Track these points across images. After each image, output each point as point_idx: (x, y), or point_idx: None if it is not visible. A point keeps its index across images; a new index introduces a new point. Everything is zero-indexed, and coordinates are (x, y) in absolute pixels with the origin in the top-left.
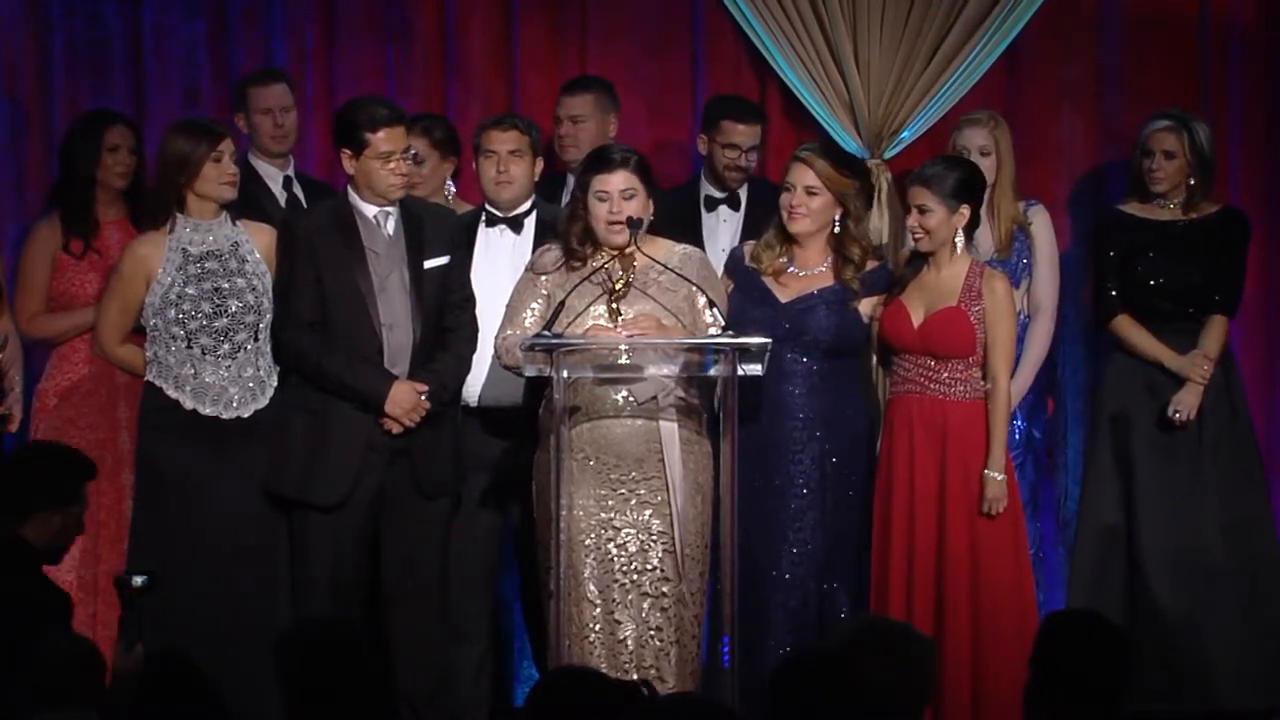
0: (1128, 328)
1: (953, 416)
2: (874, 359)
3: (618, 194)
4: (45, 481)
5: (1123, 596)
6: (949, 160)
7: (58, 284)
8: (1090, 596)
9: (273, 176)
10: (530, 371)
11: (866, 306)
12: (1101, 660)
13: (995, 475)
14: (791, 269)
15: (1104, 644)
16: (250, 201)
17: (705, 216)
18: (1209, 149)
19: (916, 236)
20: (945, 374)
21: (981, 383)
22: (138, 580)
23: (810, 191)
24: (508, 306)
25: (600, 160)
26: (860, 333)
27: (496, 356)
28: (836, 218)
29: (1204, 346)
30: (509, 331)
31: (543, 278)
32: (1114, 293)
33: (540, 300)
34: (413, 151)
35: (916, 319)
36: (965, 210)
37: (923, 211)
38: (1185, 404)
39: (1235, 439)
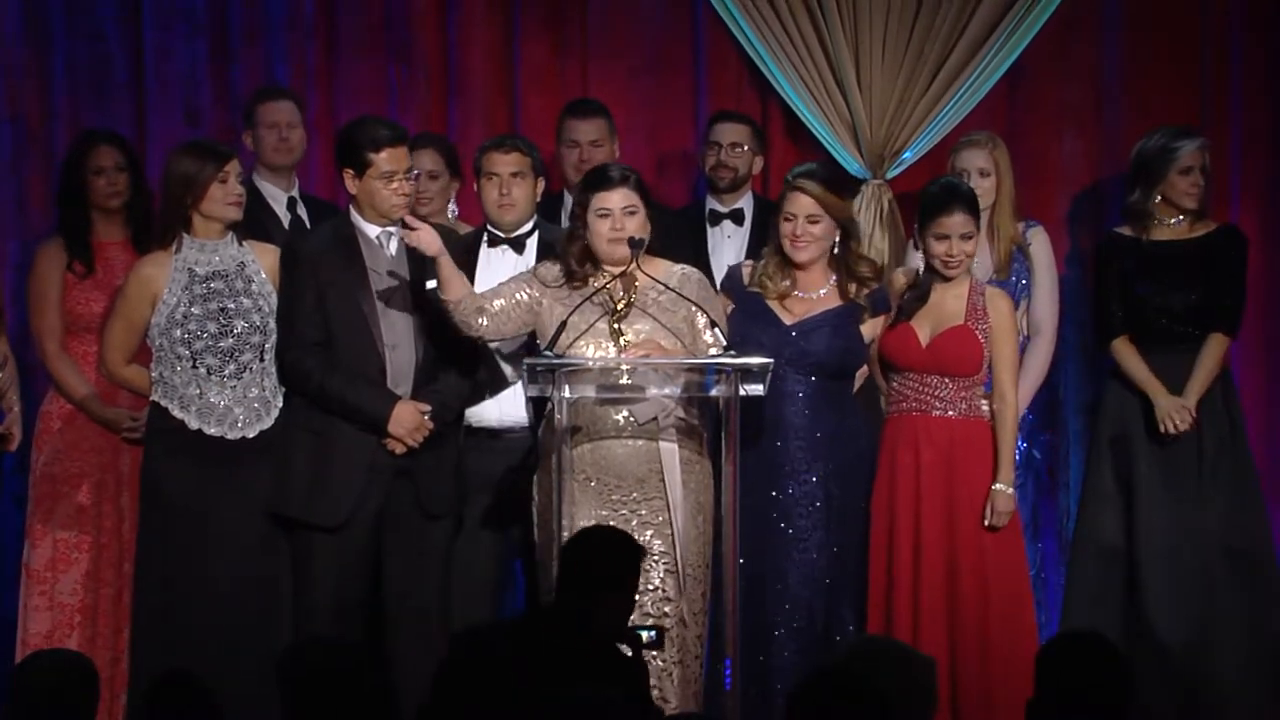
0: (1125, 354)
1: (958, 434)
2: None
3: (619, 210)
4: (610, 567)
5: (1121, 617)
6: (963, 184)
7: (64, 303)
8: (1088, 617)
9: (277, 198)
10: (532, 392)
11: (868, 328)
12: (1103, 682)
13: (1005, 489)
14: (795, 292)
15: (1105, 666)
16: (254, 222)
17: (710, 231)
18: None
19: (958, 264)
20: (949, 393)
21: (980, 401)
22: (646, 635)
23: (812, 220)
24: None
25: (600, 178)
26: (863, 354)
27: (452, 311)
28: (836, 239)
29: (1201, 364)
30: (481, 294)
31: (539, 286)
32: (1118, 314)
33: (525, 295)
34: (415, 171)
35: (924, 338)
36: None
37: (967, 238)
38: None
39: (1234, 457)
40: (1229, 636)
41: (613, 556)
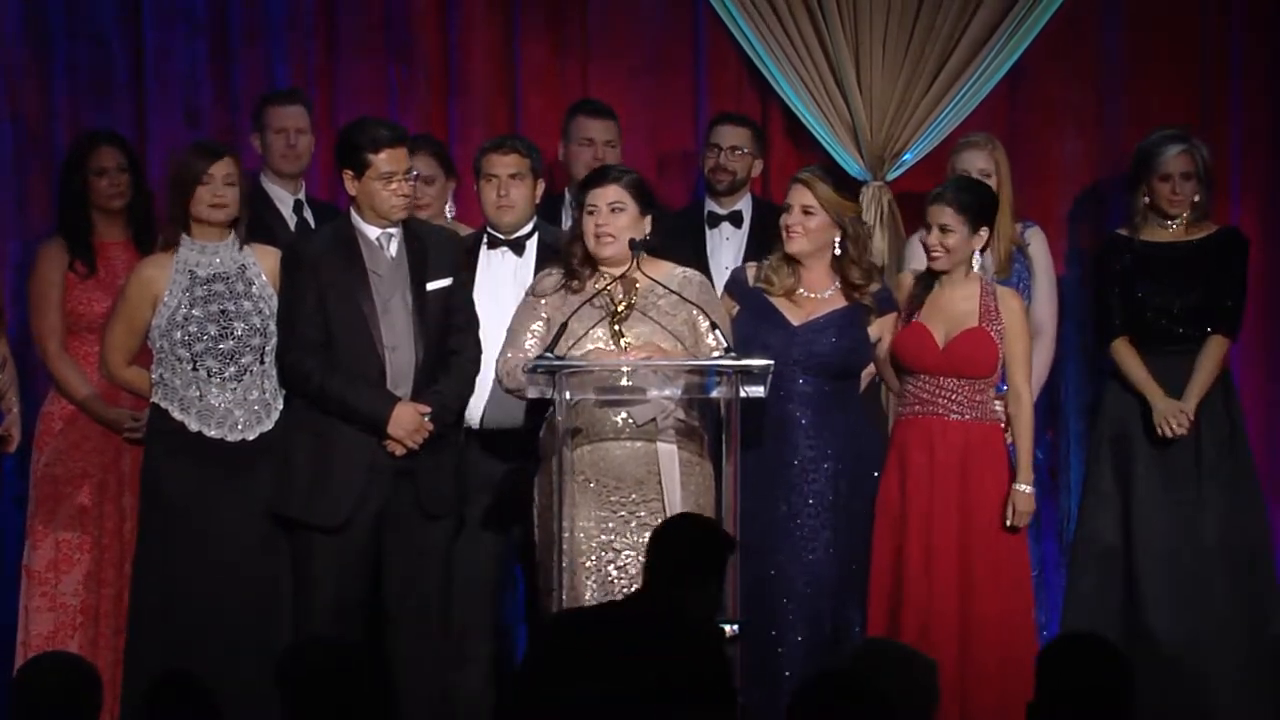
0: (1124, 355)
1: (973, 438)
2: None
3: (605, 206)
4: (698, 559)
5: (1121, 618)
6: (970, 182)
7: (65, 304)
8: (1087, 619)
9: (283, 200)
10: (533, 394)
11: (875, 328)
12: (1104, 684)
13: (1025, 489)
14: (801, 291)
15: (1106, 668)
16: (259, 224)
17: (709, 233)
18: (1211, 164)
19: (935, 255)
20: (964, 396)
21: (994, 404)
22: (730, 629)
23: (807, 211)
24: (509, 330)
25: (595, 176)
26: (868, 354)
27: (498, 380)
28: (836, 240)
29: (1201, 366)
30: (509, 354)
31: (543, 301)
32: (1118, 315)
33: (540, 323)
34: (415, 172)
35: (940, 340)
36: (984, 233)
37: (945, 230)
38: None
39: (1234, 459)
40: (1229, 637)
41: (700, 548)
